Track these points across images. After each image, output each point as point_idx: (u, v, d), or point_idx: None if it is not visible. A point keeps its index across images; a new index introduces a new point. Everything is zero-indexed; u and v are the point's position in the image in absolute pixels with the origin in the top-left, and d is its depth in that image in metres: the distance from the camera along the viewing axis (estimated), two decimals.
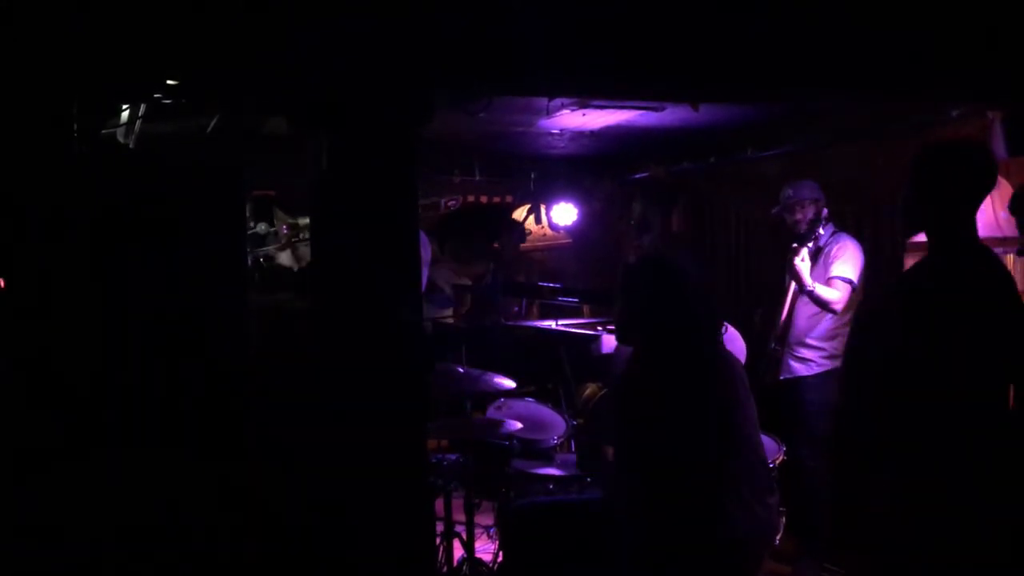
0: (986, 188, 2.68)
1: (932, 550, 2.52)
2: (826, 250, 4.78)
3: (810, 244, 4.74)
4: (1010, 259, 4.05)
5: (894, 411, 2.55)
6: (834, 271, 4.69)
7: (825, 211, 4.81)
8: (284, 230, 4.95)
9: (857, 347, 2.77)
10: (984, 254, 2.63)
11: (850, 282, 4.67)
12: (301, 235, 5.07)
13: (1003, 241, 4.06)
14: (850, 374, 2.77)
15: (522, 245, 8.43)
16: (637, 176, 6.54)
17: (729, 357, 3.16)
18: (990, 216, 4.04)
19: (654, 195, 5.79)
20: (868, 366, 2.63)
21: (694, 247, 6.26)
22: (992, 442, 2.48)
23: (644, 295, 3.15)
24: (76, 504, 2.69)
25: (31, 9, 2.67)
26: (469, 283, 7.55)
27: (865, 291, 4.70)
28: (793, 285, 4.77)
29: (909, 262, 4.71)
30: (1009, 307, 2.56)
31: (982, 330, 2.50)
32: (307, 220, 4.88)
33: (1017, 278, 4.01)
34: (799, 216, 4.84)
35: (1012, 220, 4.05)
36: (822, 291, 4.66)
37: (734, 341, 3.94)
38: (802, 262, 4.68)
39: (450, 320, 7.26)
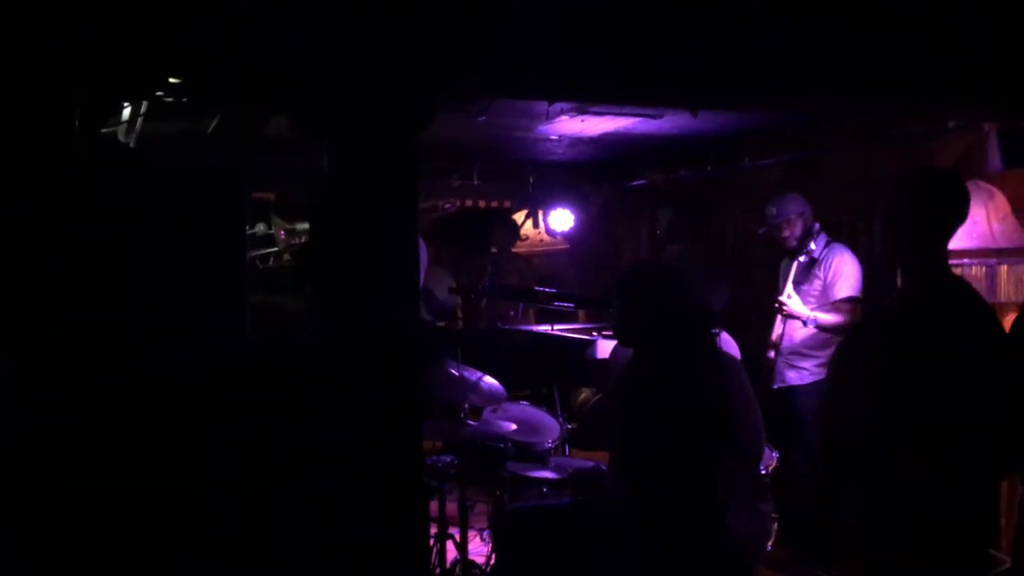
0: (957, 219, 2.55)
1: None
2: (821, 262, 4.78)
3: (802, 258, 4.76)
4: (1003, 270, 4.06)
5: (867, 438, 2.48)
6: (837, 294, 4.70)
7: (816, 224, 4.80)
8: (282, 236, 4.96)
9: (837, 376, 2.71)
10: (959, 288, 2.54)
11: (854, 300, 4.69)
12: (299, 239, 5.08)
13: (997, 252, 4.05)
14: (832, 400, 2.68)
15: (519, 250, 8.46)
16: (643, 183, 6.55)
17: (729, 362, 3.17)
18: (984, 227, 4.04)
19: (684, 203, 5.78)
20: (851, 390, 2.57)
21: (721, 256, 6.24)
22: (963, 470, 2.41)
23: (640, 299, 3.17)
24: (75, 501, 2.70)
25: (31, 7, 2.67)
26: (464, 288, 7.57)
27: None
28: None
29: None
30: (986, 341, 2.47)
31: (955, 365, 2.41)
32: (304, 225, 4.89)
33: (1010, 289, 4.05)
34: (787, 233, 4.86)
35: (1006, 231, 4.05)
36: (827, 317, 4.67)
37: (728, 346, 3.95)
38: (789, 299, 4.70)
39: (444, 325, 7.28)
